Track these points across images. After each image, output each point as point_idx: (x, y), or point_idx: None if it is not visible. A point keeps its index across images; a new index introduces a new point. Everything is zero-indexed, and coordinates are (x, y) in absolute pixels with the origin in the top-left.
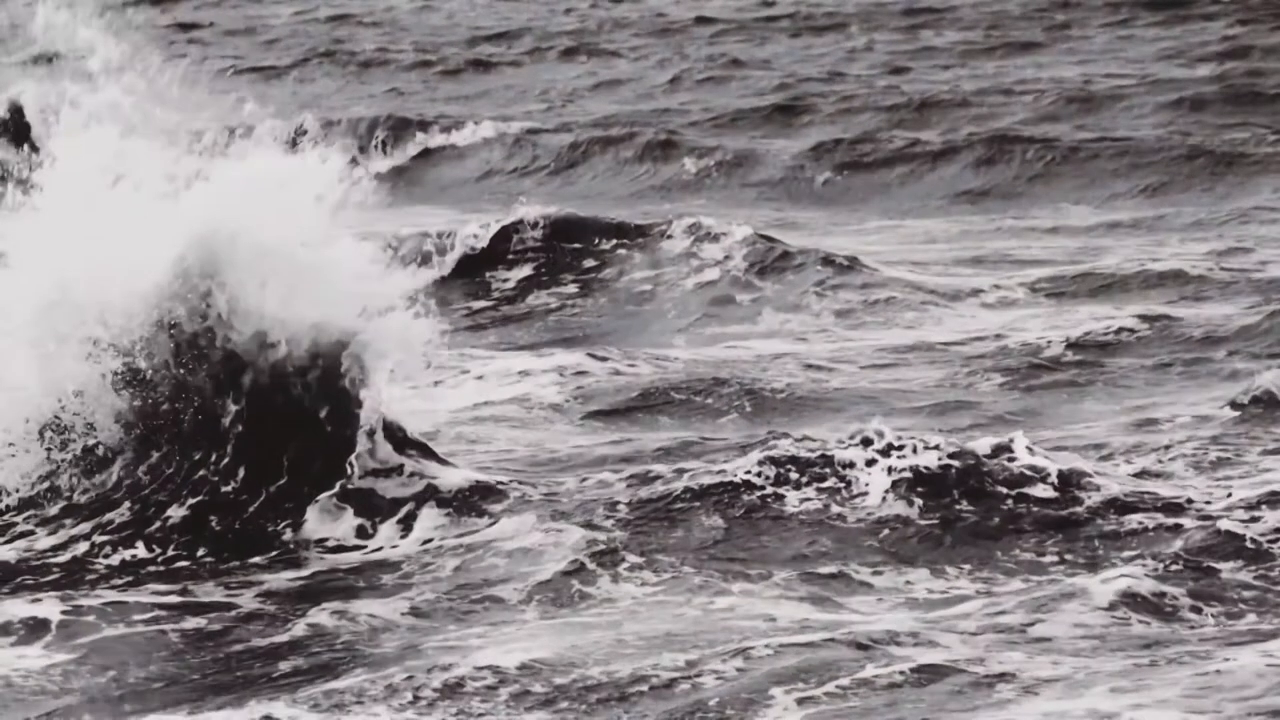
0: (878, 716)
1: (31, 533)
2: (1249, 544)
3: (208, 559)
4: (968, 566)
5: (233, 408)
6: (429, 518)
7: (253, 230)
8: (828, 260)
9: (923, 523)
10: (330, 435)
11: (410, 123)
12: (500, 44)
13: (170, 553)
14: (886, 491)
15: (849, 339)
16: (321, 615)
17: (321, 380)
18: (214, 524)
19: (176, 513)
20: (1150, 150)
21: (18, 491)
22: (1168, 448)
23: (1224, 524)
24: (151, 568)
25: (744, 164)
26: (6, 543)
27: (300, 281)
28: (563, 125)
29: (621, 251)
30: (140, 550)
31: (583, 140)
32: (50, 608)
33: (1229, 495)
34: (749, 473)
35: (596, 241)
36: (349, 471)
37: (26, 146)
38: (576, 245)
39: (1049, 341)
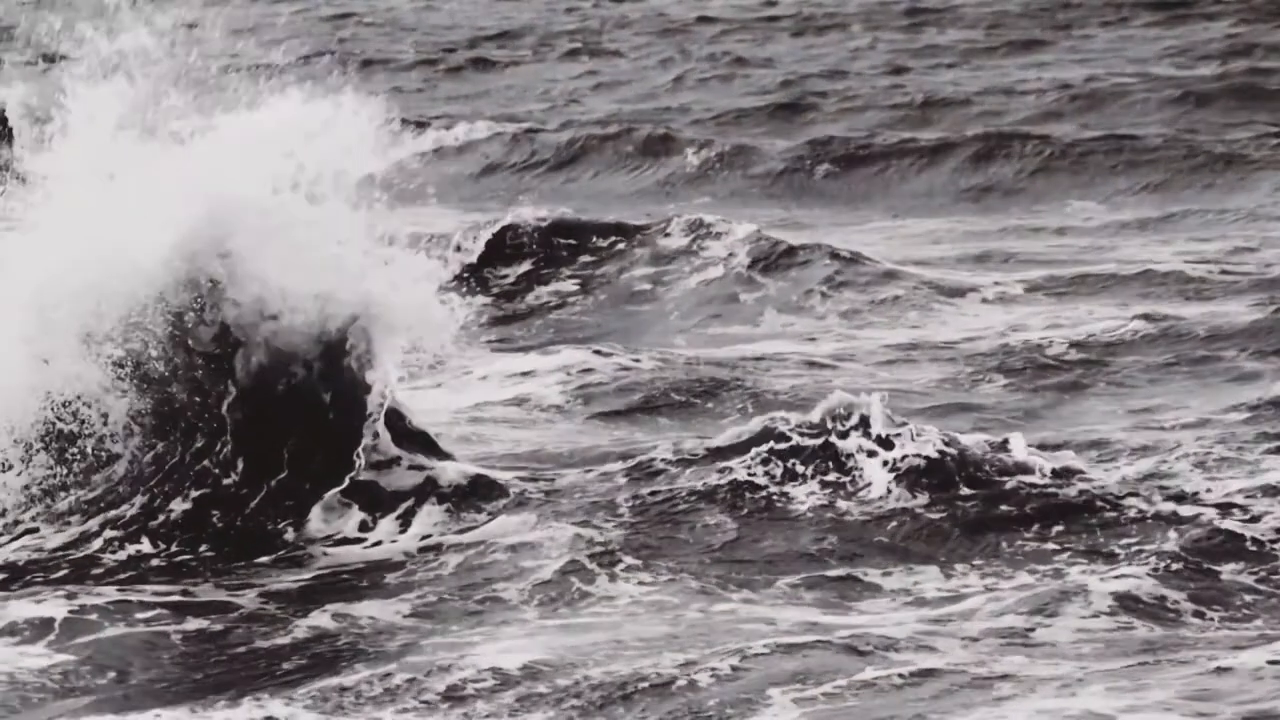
0: (875, 716)
1: (35, 529)
2: (1251, 545)
3: (210, 556)
4: (967, 566)
5: (234, 396)
6: (430, 514)
7: (260, 207)
8: (831, 259)
9: (923, 522)
10: (335, 426)
11: (410, 122)
12: (501, 43)
13: (173, 549)
14: (887, 491)
15: (852, 337)
16: (323, 614)
17: (326, 366)
18: (218, 520)
19: (180, 507)
20: (1153, 149)
21: (18, 488)
22: (1171, 448)
23: (1226, 524)
24: (154, 564)
25: (746, 162)
26: (11, 539)
27: (307, 260)
28: (564, 124)
29: (623, 250)
30: (143, 547)
31: (584, 139)
32: (53, 606)
33: (1231, 496)
34: (749, 471)
35: (597, 241)
36: (355, 465)
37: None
38: (577, 245)
39: (1052, 341)
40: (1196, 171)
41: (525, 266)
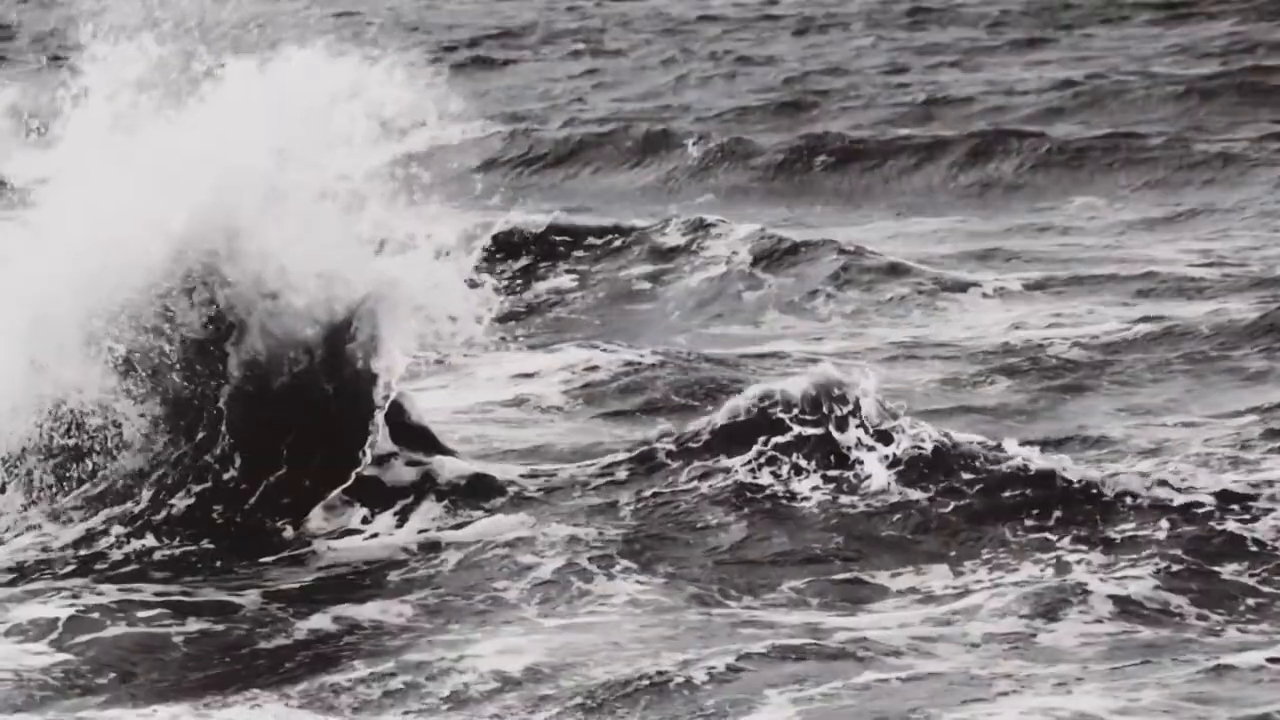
0: (872, 713)
1: (38, 526)
2: (1252, 545)
3: (211, 554)
4: (966, 565)
5: (233, 389)
6: (430, 511)
7: (269, 185)
8: (834, 257)
9: (922, 520)
10: (338, 421)
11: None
12: (503, 42)
13: (174, 547)
14: (887, 489)
15: (856, 335)
16: (323, 612)
17: (330, 355)
18: (220, 517)
19: (183, 503)
20: (1155, 147)
21: (22, 485)
22: (1172, 447)
23: (1227, 524)
24: (156, 561)
25: (748, 160)
26: (15, 536)
27: (315, 240)
28: (566, 122)
29: (625, 249)
30: (145, 544)
31: (586, 137)
32: (57, 604)
33: (1233, 495)
34: (749, 468)
35: (599, 239)
36: (361, 461)
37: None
38: (578, 244)
39: (1054, 340)
40: (1198, 170)
41: (526, 265)
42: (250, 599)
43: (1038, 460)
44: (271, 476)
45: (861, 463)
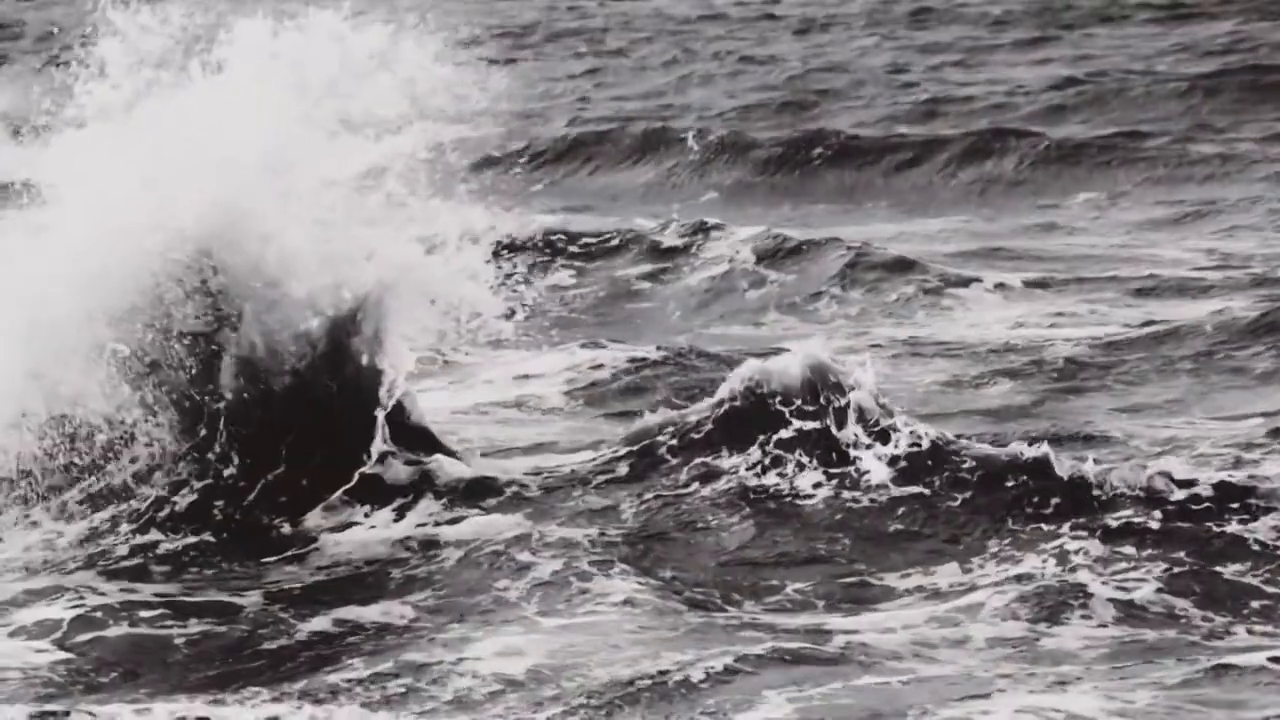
0: (871, 713)
1: (40, 523)
2: (1253, 545)
3: (213, 553)
4: (965, 564)
5: (235, 387)
6: (430, 510)
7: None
8: (837, 256)
9: (921, 520)
10: (342, 421)
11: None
12: (505, 41)
13: (175, 547)
14: (886, 488)
15: (859, 334)
16: (323, 611)
17: (334, 352)
18: (222, 516)
19: (184, 502)
20: (1157, 146)
21: (26, 484)
22: (1176, 447)
23: (1228, 523)
24: (157, 559)
25: (751, 159)
26: (20, 534)
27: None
28: (569, 121)
29: (627, 249)
30: (146, 543)
31: (588, 136)
32: (60, 602)
33: (1234, 495)
34: (748, 467)
35: (600, 239)
36: (365, 461)
37: None
38: (579, 243)
39: (1056, 338)
40: (1201, 169)
41: (526, 264)
42: (251, 599)
43: (1039, 459)
44: (273, 476)
45: (861, 461)
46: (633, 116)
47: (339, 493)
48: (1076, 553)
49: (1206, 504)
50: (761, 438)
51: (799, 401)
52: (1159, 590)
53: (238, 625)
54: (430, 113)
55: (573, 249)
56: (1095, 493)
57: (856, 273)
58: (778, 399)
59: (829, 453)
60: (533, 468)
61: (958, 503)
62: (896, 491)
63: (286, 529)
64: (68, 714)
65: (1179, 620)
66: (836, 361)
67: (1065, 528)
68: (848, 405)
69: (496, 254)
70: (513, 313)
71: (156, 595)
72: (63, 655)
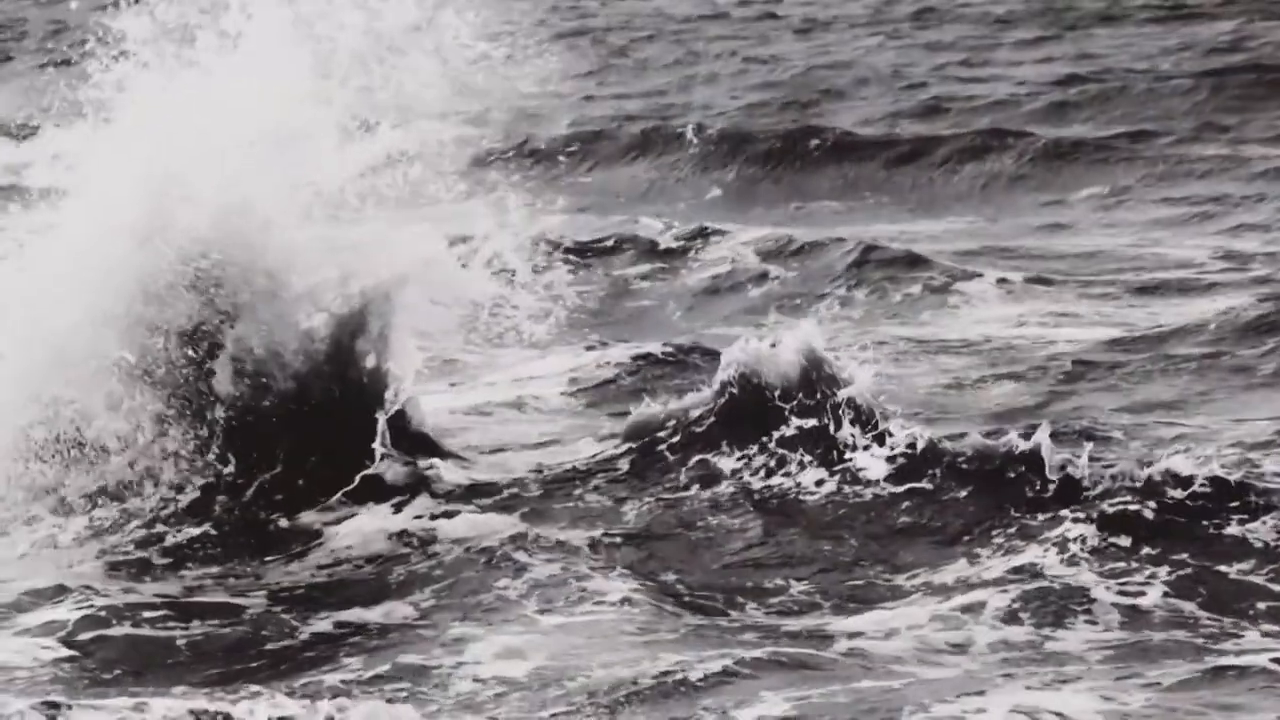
0: (870, 711)
1: (41, 520)
2: (1255, 544)
3: (213, 553)
4: (964, 564)
5: (237, 387)
6: (430, 511)
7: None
8: (839, 255)
9: (924, 519)
10: (344, 422)
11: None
12: (505, 41)
13: (175, 546)
14: (886, 488)
15: (861, 333)
16: (324, 612)
17: (339, 355)
18: (223, 515)
19: (187, 501)
20: (1162, 145)
21: (29, 483)
22: (1178, 446)
23: (1232, 527)
24: (158, 559)
25: (754, 158)
26: (24, 532)
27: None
28: (571, 120)
29: (629, 249)
30: (148, 541)
31: (590, 134)
32: (64, 602)
33: (1235, 494)
34: (748, 467)
35: (602, 239)
36: (367, 466)
37: None
38: (581, 243)
39: (1059, 338)
40: (1206, 167)
41: (527, 264)
42: (251, 599)
43: (1041, 459)
44: (274, 476)
45: (861, 460)
46: (635, 115)
47: (340, 494)
48: (1079, 552)
49: (1210, 504)
50: (759, 432)
51: (795, 393)
52: (1161, 591)
53: (239, 626)
54: (473, 90)
55: (574, 248)
56: (1099, 492)
57: (860, 271)
58: (775, 392)
59: (827, 451)
60: (534, 467)
61: (958, 501)
62: (896, 491)
63: (288, 529)
64: (71, 707)
65: (1181, 621)
66: (830, 351)
67: (1068, 527)
68: (844, 398)
69: (495, 254)
70: (546, 313)
71: (158, 595)
72: (67, 652)
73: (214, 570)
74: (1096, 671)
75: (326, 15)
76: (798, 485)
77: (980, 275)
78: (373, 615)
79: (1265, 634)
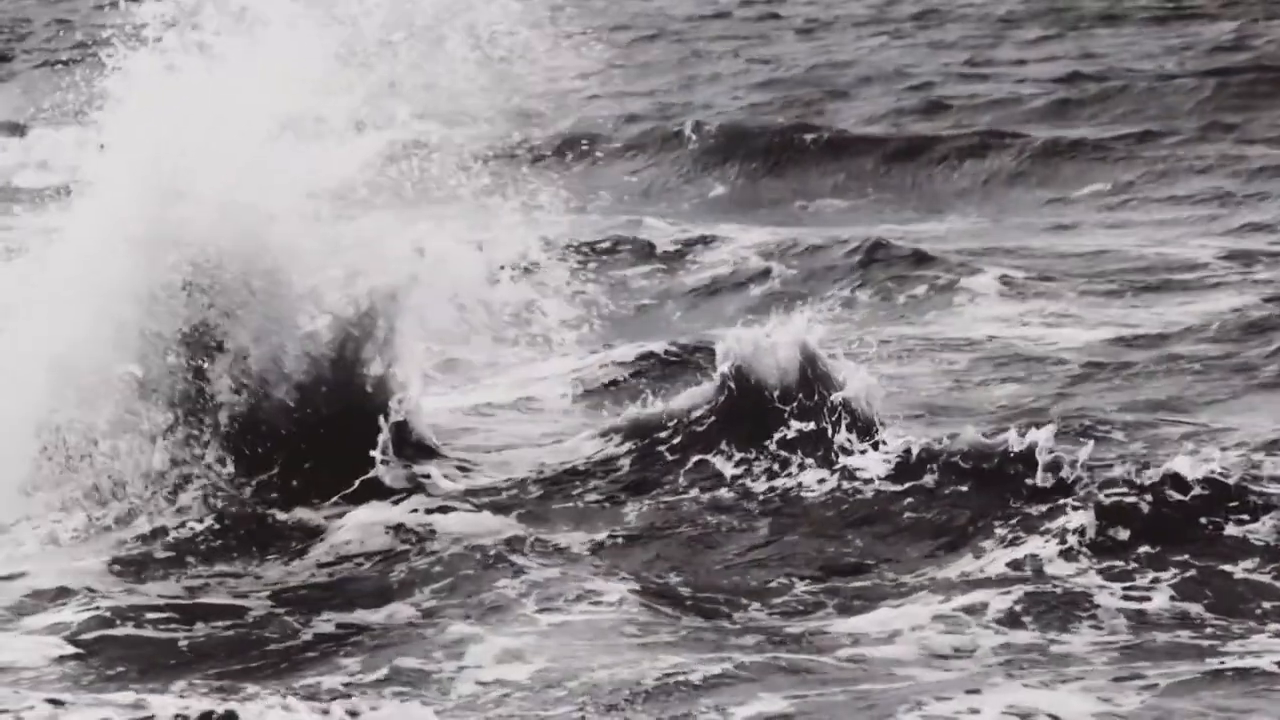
0: (868, 710)
1: (43, 519)
2: (1257, 543)
3: (213, 555)
4: (964, 564)
5: (238, 388)
6: (430, 511)
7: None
8: (841, 255)
9: (925, 519)
10: (347, 424)
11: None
12: (506, 41)
13: (176, 547)
14: (886, 488)
15: (861, 334)
16: (325, 613)
17: (344, 358)
18: (224, 516)
19: (190, 502)
20: (1166, 144)
21: (32, 483)
22: (1180, 446)
23: (1230, 523)
24: (159, 559)
25: (754, 159)
26: (30, 532)
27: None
28: (573, 120)
29: (630, 249)
30: (149, 542)
31: (592, 134)
32: (66, 602)
33: (1236, 494)
34: (748, 468)
35: (604, 239)
36: (368, 470)
37: None
38: (582, 243)
39: (1060, 337)
40: (1210, 166)
41: (527, 265)
42: (254, 600)
43: (1043, 457)
44: (276, 478)
45: (862, 460)
46: (638, 114)
47: (342, 495)
48: (1081, 553)
49: (1213, 505)
50: (759, 431)
51: (795, 393)
52: (1163, 592)
53: (239, 626)
54: (514, 82)
55: (576, 248)
56: (1101, 492)
57: (863, 270)
58: (774, 391)
59: (826, 451)
60: (535, 467)
61: (960, 500)
62: (896, 490)
63: (290, 530)
64: (75, 705)
65: (1184, 622)
66: (828, 349)
67: (1070, 528)
68: (845, 398)
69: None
70: (547, 314)
71: (161, 596)
72: (72, 651)
73: (216, 571)
74: (1097, 672)
75: None
76: (798, 485)
77: (982, 274)
78: (374, 616)
79: (1268, 636)
